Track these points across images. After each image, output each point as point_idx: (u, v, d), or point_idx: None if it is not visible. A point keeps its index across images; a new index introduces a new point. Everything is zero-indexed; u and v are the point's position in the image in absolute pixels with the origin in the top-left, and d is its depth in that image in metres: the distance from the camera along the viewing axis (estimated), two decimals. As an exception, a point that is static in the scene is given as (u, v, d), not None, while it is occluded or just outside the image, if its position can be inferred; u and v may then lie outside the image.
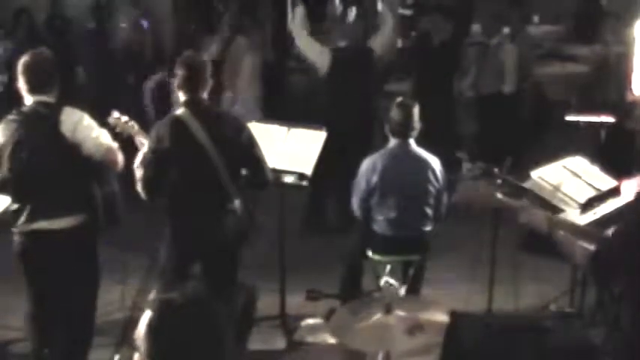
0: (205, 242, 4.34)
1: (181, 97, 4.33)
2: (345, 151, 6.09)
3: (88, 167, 4.13)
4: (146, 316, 2.04)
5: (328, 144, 5.20)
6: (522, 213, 3.52)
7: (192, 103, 4.29)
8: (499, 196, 3.52)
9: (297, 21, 6.99)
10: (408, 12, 8.76)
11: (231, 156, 4.30)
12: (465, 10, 9.90)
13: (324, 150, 5.14)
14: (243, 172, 4.46)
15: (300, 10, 6.96)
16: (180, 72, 4.28)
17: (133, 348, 2.04)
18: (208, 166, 4.24)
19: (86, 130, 4.10)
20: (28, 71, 4.11)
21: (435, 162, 4.98)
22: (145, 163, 4.27)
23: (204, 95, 4.33)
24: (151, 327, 2.02)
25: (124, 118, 4.62)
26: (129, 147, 4.49)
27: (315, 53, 6.85)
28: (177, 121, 4.27)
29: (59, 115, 4.06)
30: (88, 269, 4.28)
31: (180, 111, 4.29)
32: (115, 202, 4.32)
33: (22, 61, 4.14)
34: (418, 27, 8.94)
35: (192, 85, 4.28)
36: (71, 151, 4.06)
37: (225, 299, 4.26)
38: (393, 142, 4.98)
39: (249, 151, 4.38)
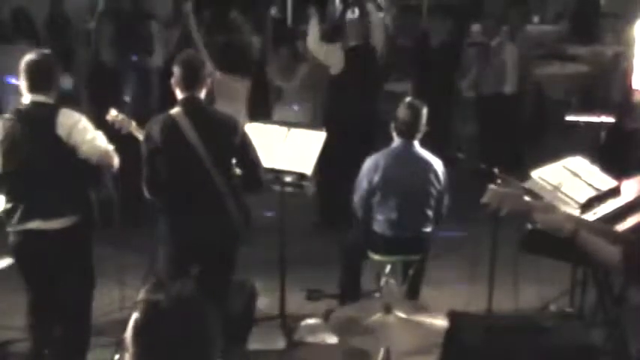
0: (199, 242, 4.34)
1: (178, 95, 4.33)
2: (347, 150, 6.14)
3: (83, 169, 4.13)
4: (133, 316, 2.05)
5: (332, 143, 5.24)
6: (540, 213, 3.21)
7: (187, 102, 4.29)
8: (527, 199, 3.29)
9: (313, 34, 7.06)
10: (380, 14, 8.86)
11: (222, 156, 4.28)
12: (465, 10, 9.91)
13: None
14: (238, 172, 4.46)
15: (313, 22, 7.07)
16: (177, 70, 4.29)
17: (123, 348, 2.05)
18: (198, 166, 4.23)
19: (82, 133, 4.09)
20: (29, 70, 4.11)
21: (437, 163, 4.97)
22: (142, 161, 4.31)
23: (201, 94, 4.34)
24: (137, 328, 2.03)
25: (122, 116, 4.66)
26: (129, 144, 4.51)
27: (334, 57, 6.94)
28: (169, 120, 4.27)
29: (56, 117, 4.05)
30: (83, 270, 4.28)
31: (174, 110, 4.30)
32: (110, 205, 4.32)
33: (24, 60, 4.14)
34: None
35: (188, 83, 4.28)
36: (66, 152, 4.05)
37: (219, 300, 4.26)
38: (397, 141, 4.97)
39: (243, 153, 4.36)
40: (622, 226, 4.33)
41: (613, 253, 3.01)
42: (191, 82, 4.28)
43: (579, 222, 3.28)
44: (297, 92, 7.49)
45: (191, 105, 4.28)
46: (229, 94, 6.85)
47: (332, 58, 6.95)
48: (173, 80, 4.30)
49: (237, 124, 4.42)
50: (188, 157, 4.23)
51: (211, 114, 4.42)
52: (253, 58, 8.15)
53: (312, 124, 7.23)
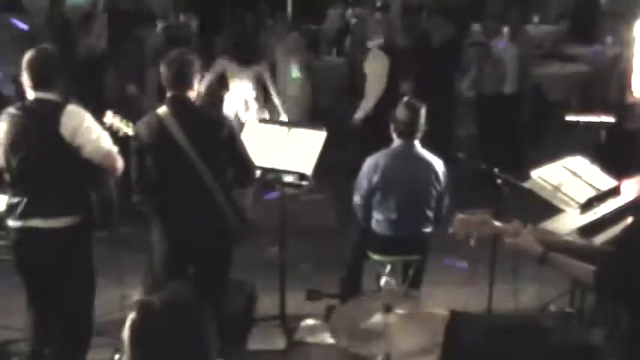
0: (190, 241, 4.35)
1: (167, 94, 4.34)
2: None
3: (85, 169, 4.12)
4: (129, 318, 2.05)
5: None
6: (509, 236, 3.11)
7: (174, 101, 4.30)
8: (496, 223, 3.18)
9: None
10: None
11: (211, 154, 4.29)
12: (465, 10, 9.91)
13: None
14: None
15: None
16: (164, 69, 4.30)
17: (118, 350, 2.05)
18: (187, 165, 4.24)
19: (86, 133, 4.08)
20: (32, 67, 4.10)
21: (438, 163, 4.97)
22: (131, 160, 4.32)
23: (191, 93, 4.33)
24: (132, 329, 2.03)
25: (119, 117, 4.67)
26: (128, 143, 4.52)
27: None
28: (156, 119, 4.28)
29: (60, 115, 4.04)
30: (83, 270, 4.27)
31: (161, 109, 4.31)
32: (110, 205, 4.31)
33: (27, 56, 4.12)
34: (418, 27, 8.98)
35: (175, 82, 4.29)
36: (68, 151, 4.04)
37: (215, 299, 4.27)
38: (397, 141, 4.97)
39: (230, 149, 4.36)
40: (606, 236, 4.31)
41: (586, 272, 2.93)
42: (178, 81, 4.28)
43: (551, 242, 3.17)
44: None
45: (178, 104, 4.29)
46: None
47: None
48: (162, 79, 4.32)
49: (224, 122, 4.42)
50: (176, 157, 4.24)
51: (198, 112, 4.41)
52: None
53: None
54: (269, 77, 7.53)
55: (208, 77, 7.23)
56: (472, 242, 3.19)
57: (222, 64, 7.43)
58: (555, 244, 3.15)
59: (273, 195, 5.99)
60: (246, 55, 7.41)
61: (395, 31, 8.67)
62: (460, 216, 3.22)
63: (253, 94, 7.39)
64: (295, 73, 8.01)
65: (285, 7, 10.76)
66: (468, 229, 3.19)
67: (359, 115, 7.50)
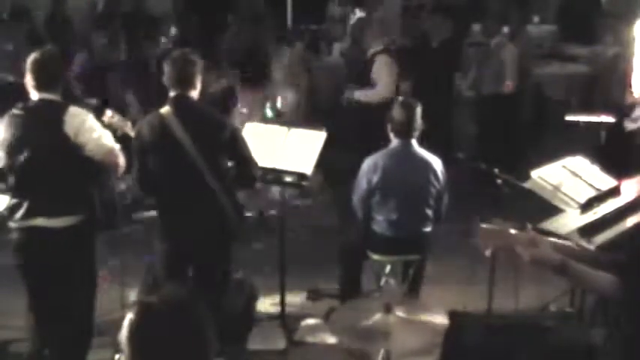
0: (191, 241, 4.35)
1: (170, 93, 4.35)
2: None
3: (88, 168, 4.14)
4: (127, 318, 2.05)
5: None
6: (526, 247, 2.97)
7: (177, 101, 4.30)
8: (512, 231, 3.02)
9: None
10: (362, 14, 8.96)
11: (213, 154, 4.30)
12: (465, 10, 9.91)
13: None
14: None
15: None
16: (167, 68, 4.30)
17: (119, 350, 2.05)
18: (189, 164, 4.24)
19: (89, 131, 4.11)
20: (36, 68, 4.13)
21: (436, 162, 4.97)
22: (133, 159, 4.34)
23: (194, 93, 4.34)
24: (131, 330, 2.03)
25: (118, 117, 4.68)
26: (128, 143, 4.53)
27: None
28: (159, 119, 4.29)
29: (63, 115, 4.07)
30: (85, 269, 4.28)
31: (164, 108, 4.31)
32: (114, 207, 4.32)
33: (31, 58, 4.16)
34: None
35: (177, 82, 4.30)
36: (72, 151, 4.07)
37: (215, 297, 4.27)
38: (395, 142, 4.97)
39: (233, 149, 4.37)
40: (606, 236, 4.30)
41: (609, 282, 2.87)
42: (181, 80, 4.29)
43: (564, 249, 3.12)
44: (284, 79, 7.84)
45: (180, 103, 4.30)
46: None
47: None
48: (164, 78, 4.33)
49: (225, 121, 4.43)
50: (178, 156, 4.25)
51: (200, 112, 4.42)
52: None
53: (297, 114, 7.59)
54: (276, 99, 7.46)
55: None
56: (488, 253, 3.12)
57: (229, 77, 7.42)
58: (559, 251, 3.10)
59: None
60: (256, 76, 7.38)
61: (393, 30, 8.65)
62: (483, 226, 3.13)
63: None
64: (269, 113, 7.59)
65: (285, 7, 10.74)
66: (490, 241, 3.11)
67: (357, 95, 7.23)
